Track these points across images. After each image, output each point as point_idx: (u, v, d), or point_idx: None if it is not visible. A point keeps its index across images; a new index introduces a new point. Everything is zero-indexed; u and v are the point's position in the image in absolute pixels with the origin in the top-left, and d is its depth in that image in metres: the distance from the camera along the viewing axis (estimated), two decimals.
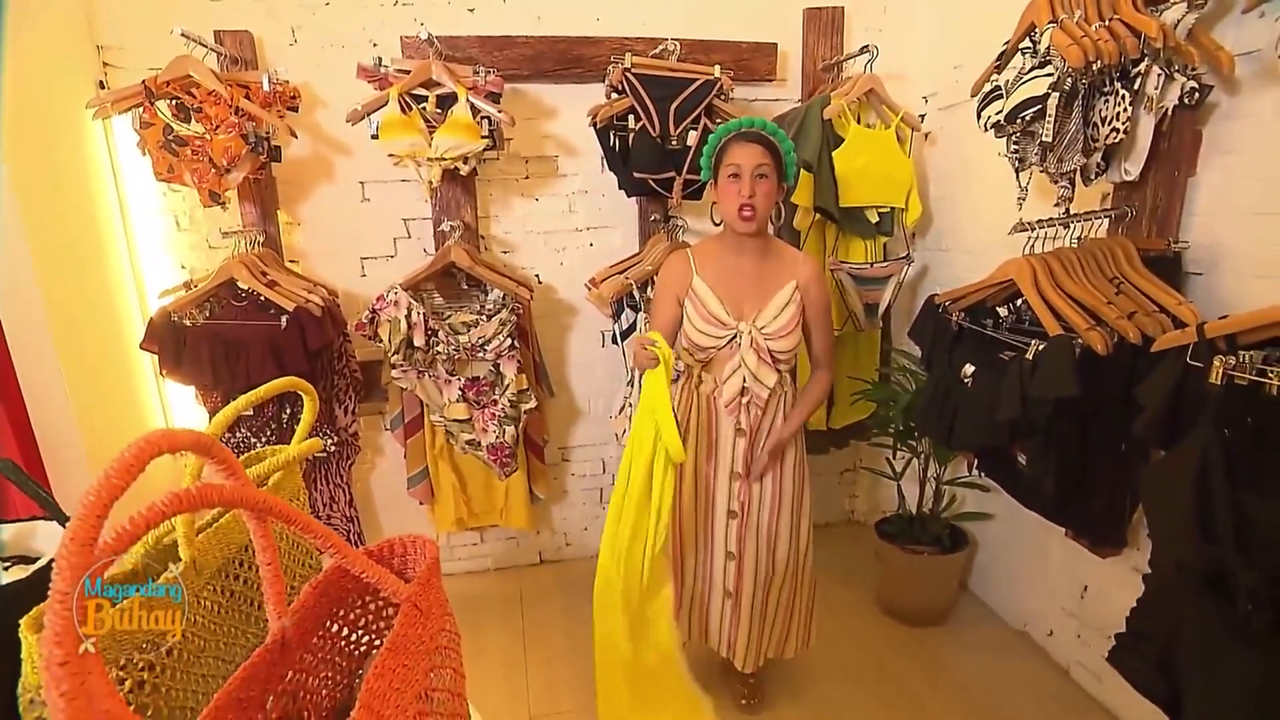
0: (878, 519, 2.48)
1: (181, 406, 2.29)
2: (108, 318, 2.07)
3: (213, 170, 1.93)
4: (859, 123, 2.19)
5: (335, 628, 0.66)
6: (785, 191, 1.56)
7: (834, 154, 2.07)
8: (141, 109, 1.86)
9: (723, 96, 2.07)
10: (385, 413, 2.35)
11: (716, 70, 2.06)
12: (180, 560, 0.69)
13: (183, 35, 1.89)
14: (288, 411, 2.07)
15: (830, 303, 1.70)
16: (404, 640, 0.54)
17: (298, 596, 0.58)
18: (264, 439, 2.07)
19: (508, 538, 2.67)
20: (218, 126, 1.91)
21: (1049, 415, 1.41)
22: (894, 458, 2.35)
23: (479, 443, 2.11)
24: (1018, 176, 1.57)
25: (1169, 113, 1.38)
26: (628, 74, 2.00)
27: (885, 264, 2.26)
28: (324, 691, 0.65)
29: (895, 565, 2.35)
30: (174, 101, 1.90)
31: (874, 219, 2.22)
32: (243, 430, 2.06)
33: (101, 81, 2.04)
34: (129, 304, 2.16)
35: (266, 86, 1.99)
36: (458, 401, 2.08)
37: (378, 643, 0.69)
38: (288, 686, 0.58)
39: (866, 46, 2.21)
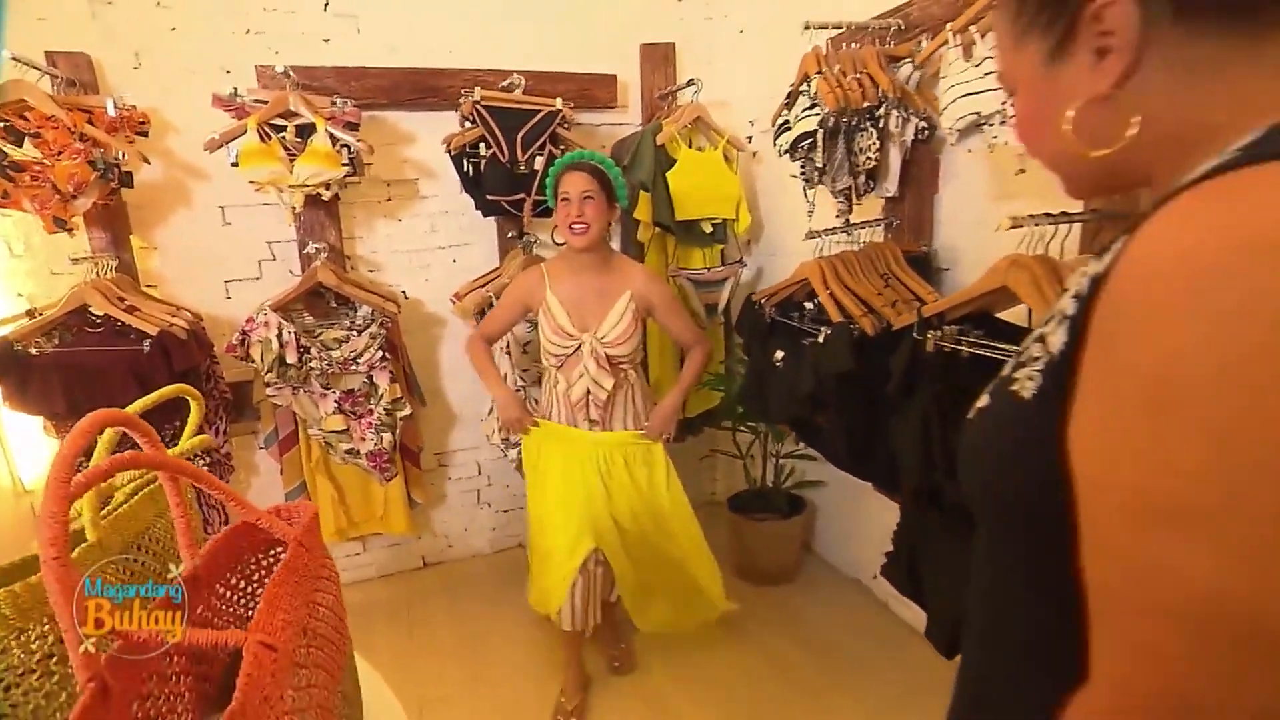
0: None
1: (22, 438, 2.19)
2: None
3: (57, 196, 1.92)
4: (690, 146, 2.51)
5: (235, 580, 0.82)
6: (617, 211, 1.82)
7: (668, 174, 2.36)
8: None
9: (565, 125, 2.31)
10: (259, 431, 2.38)
11: (558, 102, 2.30)
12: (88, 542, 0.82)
13: (13, 60, 1.87)
14: (174, 425, 2.07)
15: (673, 295, 1.99)
16: (291, 569, 0.72)
17: (207, 542, 0.74)
18: None
19: (390, 544, 2.76)
20: (60, 152, 1.91)
21: (835, 387, 1.75)
22: (735, 438, 2.68)
23: (358, 451, 2.21)
24: (805, 193, 1.92)
25: (909, 145, 1.77)
26: (477, 106, 2.19)
27: (721, 269, 2.59)
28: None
29: (746, 534, 2.67)
30: (2, 125, 1.87)
31: (708, 230, 2.54)
32: (124, 449, 2.05)
33: None
34: None
35: (112, 111, 1.99)
36: (334, 413, 2.17)
37: None
38: (198, 619, 0.73)
39: (693, 80, 2.53)
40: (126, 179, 2.04)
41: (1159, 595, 0.40)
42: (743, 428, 2.60)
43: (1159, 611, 0.40)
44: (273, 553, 0.86)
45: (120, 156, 1.98)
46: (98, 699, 0.52)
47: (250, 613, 0.83)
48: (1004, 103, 1.41)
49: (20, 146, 1.89)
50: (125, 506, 0.90)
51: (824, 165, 1.74)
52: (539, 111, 2.25)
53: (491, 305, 2.28)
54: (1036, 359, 0.51)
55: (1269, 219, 0.37)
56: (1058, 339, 0.47)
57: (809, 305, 2.05)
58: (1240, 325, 0.36)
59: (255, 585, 0.85)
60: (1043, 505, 0.46)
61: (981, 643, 0.61)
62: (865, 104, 1.66)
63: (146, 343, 1.94)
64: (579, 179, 1.74)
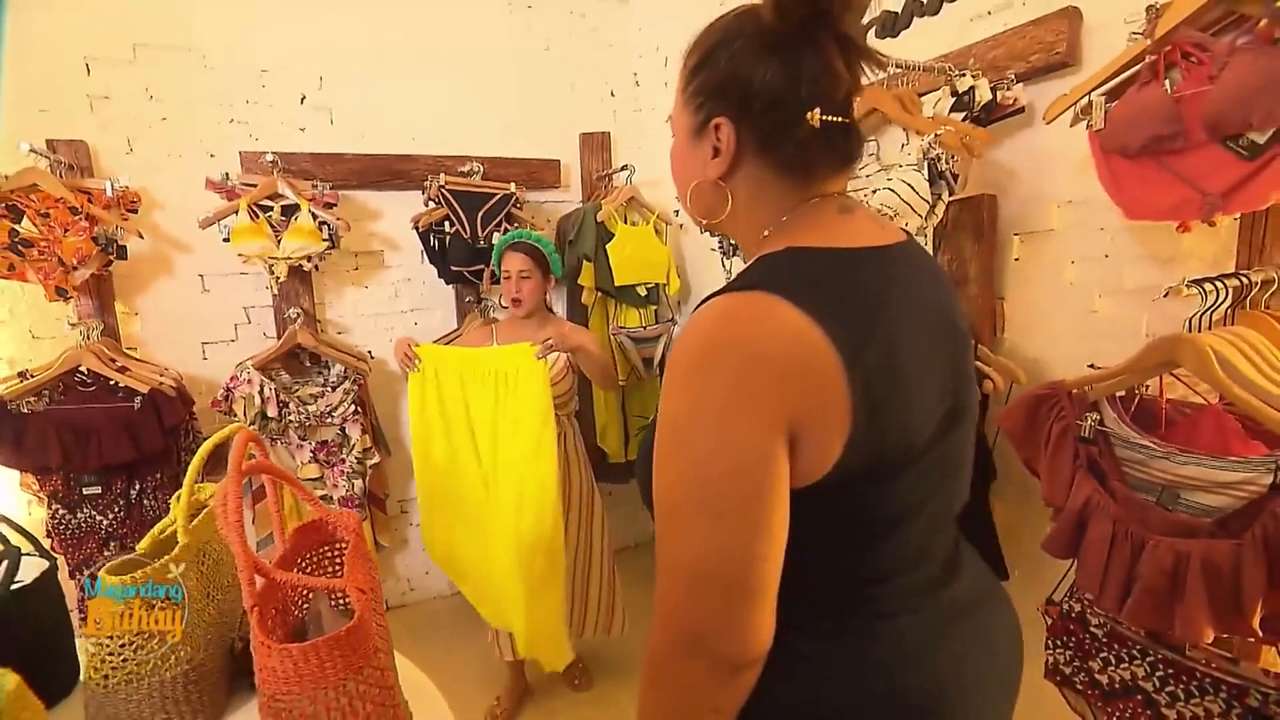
0: None
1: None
2: None
3: (60, 268, 2.13)
4: (626, 221, 2.90)
5: (305, 564, 1.08)
6: (552, 281, 2.17)
7: (607, 246, 2.74)
8: None
9: (518, 205, 2.69)
10: None
11: (512, 186, 2.68)
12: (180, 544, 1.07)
13: (31, 151, 2.10)
14: (136, 488, 2.24)
15: (595, 337, 2.25)
16: (356, 550, 1.00)
17: (290, 532, 1.01)
18: (110, 516, 2.21)
19: None
20: (66, 229, 2.13)
21: None
22: None
23: (331, 497, 2.42)
24: (723, 263, 2.32)
25: None
26: (443, 190, 2.54)
27: (655, 326, 2.96)
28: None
29: None
30: (5, 206, 2.07)
31: (643, 293, 2.92)
32: (87, 509, 2.19)
33: None
34: None
35: (110, 192, 2.23)
36: (310, 462, 2.39)
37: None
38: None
39: (626, 165, 2.95)
40: (122, 252, 2.26)
41: (672, 561, 0.63)
42: None
43: (672, 571, 0.63)
44: (323, 549, 1.12)
45: (118, 232, 2.21)
46: (258, 618, 0.80)
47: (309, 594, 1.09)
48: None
49: (19, 224, 2.10)
50: (196, 522, 1.16)
51: (736, 242, 2.14)
52: (496, 194, 2.61)
53: None
54: None
55: (720, 332, 0.63)
56: None
57: None
58: (695, 392, 0.62)
59: (318, 568, 1.11)
60: None
61: None
62: None
63: (138, 400, 2.14)
64: (517, 259, 2.08)
